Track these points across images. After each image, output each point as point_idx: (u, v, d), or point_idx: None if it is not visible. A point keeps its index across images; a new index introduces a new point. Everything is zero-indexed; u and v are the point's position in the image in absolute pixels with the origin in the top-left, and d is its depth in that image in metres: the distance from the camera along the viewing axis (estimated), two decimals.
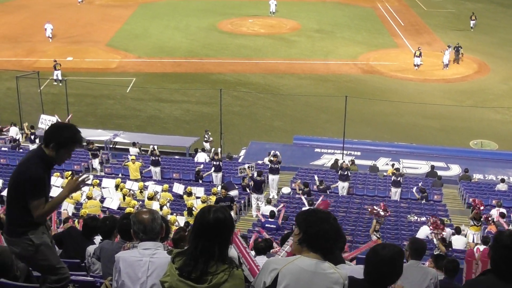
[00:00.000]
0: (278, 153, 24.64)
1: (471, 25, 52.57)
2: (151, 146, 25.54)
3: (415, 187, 23.88)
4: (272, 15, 54.10)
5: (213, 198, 20.83)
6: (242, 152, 29.30)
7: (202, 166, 25.49)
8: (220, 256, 3.88)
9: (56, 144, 5.29)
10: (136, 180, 22.95)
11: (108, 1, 59.43)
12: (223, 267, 3.87)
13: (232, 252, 5.43)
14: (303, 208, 15.32)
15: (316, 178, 24.20)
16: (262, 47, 45.93)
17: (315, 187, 23.77)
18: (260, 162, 26.58)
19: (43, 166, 5.35)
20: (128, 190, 20.96)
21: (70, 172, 22.75)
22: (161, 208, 18.65)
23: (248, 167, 23.68)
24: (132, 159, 24.12)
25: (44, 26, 45.77)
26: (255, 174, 22.39)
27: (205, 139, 29.18)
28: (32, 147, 27.19)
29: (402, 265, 4.35)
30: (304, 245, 3.96)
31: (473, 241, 17.05)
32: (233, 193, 22.48)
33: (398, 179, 23.66)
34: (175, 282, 3.89)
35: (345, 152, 27.75)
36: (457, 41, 43.25)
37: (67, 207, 18.01)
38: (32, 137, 27.93)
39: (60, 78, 36.72)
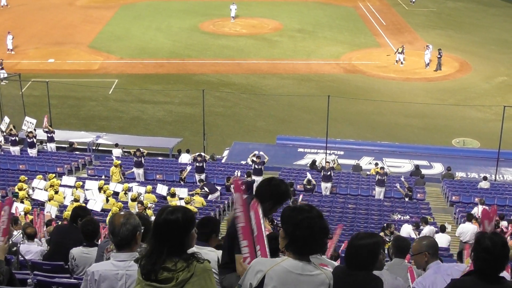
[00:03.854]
0: (262, 153, 24.63)
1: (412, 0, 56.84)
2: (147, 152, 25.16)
3: (398, 183, 24.03)
4: (233, 21, 52.52)
5: (197, 198, 20.81)
6: (225, 153, 29.25)
7: (190, 168, 25.11)
8: (173, 254, 3.81)
9: (273, 201, 5.07)
10: (119, 183, 22.86)
11: (90, 2, 59.01)
12: (182, 263, 3.80)
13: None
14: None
15: (309, 175, 24.10)
16: (244, 47, 45.91)
17: (299, 186, 23.78)
18: (243, 162, 26.58)
19: None
20: (111, 192, 20.86)
21: (53, 175, 22.61)
22: (144, 209, 18.57)
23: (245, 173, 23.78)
24: (115, 164, 24.00)
25: (6, 38, 43.39)
26: (245, 175, 22.40)
27: None
28: (14, 149, 26.90)
29: (379, 255, 4.43)
30: (290, 250, 3.94)
31: None
32: (216, 194, 22.45)
33: (383, 178, 23.74)
34: (143, 287, 3.85)
35: (328, 151, 27.81)
36: (438, 45, 43.06)
37: (50, 210, 17.88)
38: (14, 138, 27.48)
39: (1, 78, 36.49)
